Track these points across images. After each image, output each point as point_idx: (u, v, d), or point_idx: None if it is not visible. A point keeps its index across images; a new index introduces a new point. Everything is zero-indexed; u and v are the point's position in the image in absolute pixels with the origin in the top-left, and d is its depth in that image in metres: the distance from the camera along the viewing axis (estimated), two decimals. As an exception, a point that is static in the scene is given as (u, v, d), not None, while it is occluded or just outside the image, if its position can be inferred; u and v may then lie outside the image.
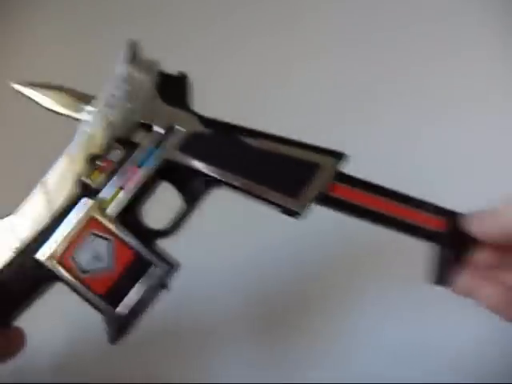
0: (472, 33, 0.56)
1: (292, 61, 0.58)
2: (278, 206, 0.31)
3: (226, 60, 0.58)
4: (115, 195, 0.29)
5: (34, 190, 0.29)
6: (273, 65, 0.58)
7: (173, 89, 0.32)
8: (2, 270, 0.29)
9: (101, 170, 0.30)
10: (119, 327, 0.29)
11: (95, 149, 0.29)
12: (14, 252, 0.29)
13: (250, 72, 0.58)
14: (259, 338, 0.50)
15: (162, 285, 0.29)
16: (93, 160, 0.29)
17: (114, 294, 0.29)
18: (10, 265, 0.29)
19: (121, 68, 0.30)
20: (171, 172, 0.31)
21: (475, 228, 0.30)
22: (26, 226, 0.29)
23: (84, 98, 0.30)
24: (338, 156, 0.31)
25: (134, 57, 0.31)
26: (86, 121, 0.29)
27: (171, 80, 0.32)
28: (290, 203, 0.31)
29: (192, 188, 0.31)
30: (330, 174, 0.31)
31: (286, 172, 0.31)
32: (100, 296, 0.29)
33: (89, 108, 0.30)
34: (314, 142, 0.32)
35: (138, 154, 0.30)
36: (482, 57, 0.55)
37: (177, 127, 0.31)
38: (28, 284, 0.30)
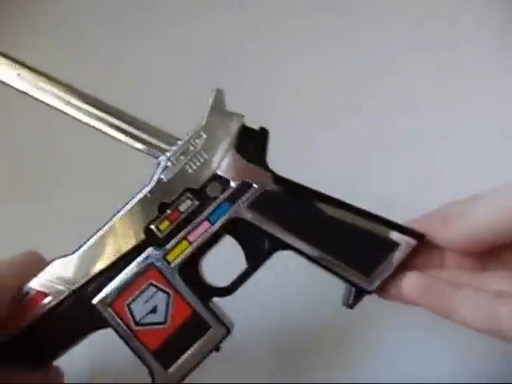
0: (471, 32, 0.55)
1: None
2: (350, 282, 0.29)
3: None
4: (180, 247, 0.28)
5: (102, 231, 0.28)
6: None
7: (252, 143, 0.30)
8: (54, 308, 0.28)
9: (170, 219, 0.29)
10: None
11: (167, 197, 0.28)
12: (69, 292, 0.28)
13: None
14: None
15: (216, 348, 0.28)
16: (163, 208, 0.28)
17: (166, 353, 0.28)
18: (62, 304, 0.28)
19: (205, 116, 0.30)
20: (239, 229, 0.29)
21: (438, 235, 0.28)
22: (86, 266, 0.28)
23: (166, 140, 0.29)
24: (417, 236, 0.29)
25: (220, 106, 0.30)
26: (165, 167, 0.29)
27: (252, 134, 0.30)
28: (364, 282, 0.29)
29: (258, 248, 0.30)
30: (406, 254, 0.29)
31: (361, 247, 0.29)
32: (152, 353, 0.28)
33: (168, 153, 0.29)
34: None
35: (209, 208, 0.29)
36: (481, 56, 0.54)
37: (249, 181, 0.29)
38: (77, 327, 0.29)
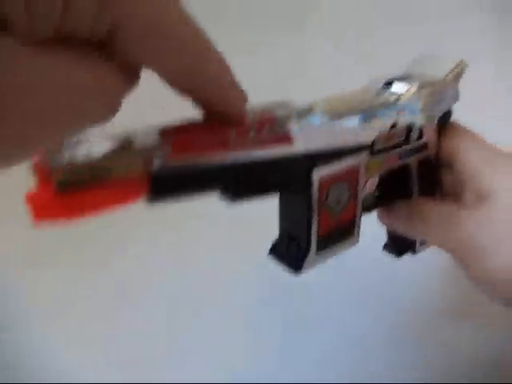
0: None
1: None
2: None
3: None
4: (377, 164, 0.33)
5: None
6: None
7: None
8: (281, 158, 0.26)
9: (388, 138, 0.32)
10: (302, 260, 0.30)
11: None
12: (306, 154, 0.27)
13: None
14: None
15: None
16: (393, 126, 0.32)
17: (324, 240, 0.30)
18: (287, 158, 0.27)
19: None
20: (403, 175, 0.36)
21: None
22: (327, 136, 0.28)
23: None
24: None
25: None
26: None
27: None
28: None
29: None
30: None
31: None
32: (318, 235, 0.30)
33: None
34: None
35: (405, 147, 0.34)
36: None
37: (427, 148, 0.36)
38: (281, 180, 0.28)
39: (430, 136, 0.35)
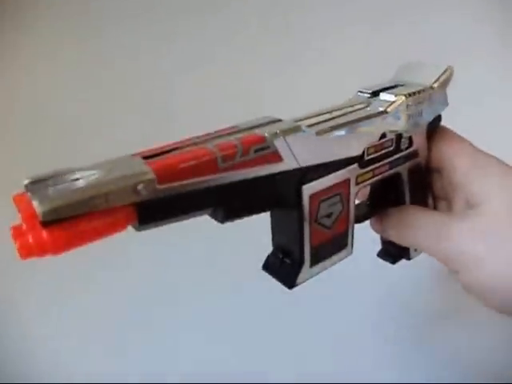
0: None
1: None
2: None
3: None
4: (367, 176, 0.33)
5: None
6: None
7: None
8: (277, 173, 0.27)
9: (377, 149, 0.33)
10: (295, 276, 0.30)
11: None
12: (299, 167, 0.28)
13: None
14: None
15: None
16: (383, 136, 0.33)
17: (317, 253, 0.31)
18: (284, 173, 0.27)
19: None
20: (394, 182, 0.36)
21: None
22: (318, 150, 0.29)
23: None
24: None
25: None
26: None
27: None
28: None
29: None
30: None
31: None
32: (311, 247, 0.30)
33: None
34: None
35: (395, 156, 0.34)
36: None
37: (419, 149, 0.36)
38: (271, 197, 0.28)
39: (419, 143, 0.36)
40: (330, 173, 0.30)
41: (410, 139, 0.35)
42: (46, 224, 0.19)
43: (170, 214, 0.23)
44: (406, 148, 0.35)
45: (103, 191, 0.20)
